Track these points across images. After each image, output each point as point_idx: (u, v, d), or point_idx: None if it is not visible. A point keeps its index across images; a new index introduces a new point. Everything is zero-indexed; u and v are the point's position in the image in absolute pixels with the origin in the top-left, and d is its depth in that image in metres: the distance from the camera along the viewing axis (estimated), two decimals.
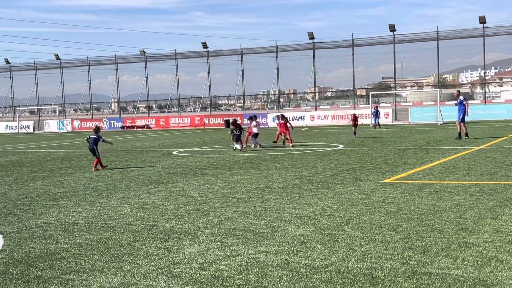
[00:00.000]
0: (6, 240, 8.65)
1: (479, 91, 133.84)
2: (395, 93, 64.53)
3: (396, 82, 59.87)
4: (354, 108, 58.37)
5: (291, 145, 25.33)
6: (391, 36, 54.27)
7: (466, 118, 26.98)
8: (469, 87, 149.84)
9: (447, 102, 79.40)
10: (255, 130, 25.61)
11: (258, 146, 25.51)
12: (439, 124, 43.30)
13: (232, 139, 24.96)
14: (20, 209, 11.35)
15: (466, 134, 26.27)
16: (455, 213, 9.35)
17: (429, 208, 9.82)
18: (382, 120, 47.20)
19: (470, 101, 40.73)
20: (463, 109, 26.57)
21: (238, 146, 24.24)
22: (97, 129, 19.18)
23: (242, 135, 24.74)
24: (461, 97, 27.14)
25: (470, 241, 7.49)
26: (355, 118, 31.26)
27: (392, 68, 55.46)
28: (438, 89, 53.10)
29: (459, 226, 8.36)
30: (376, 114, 42.66)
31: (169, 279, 6.38)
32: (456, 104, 27.55)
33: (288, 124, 26.28)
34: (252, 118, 26.31)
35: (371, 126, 42.78)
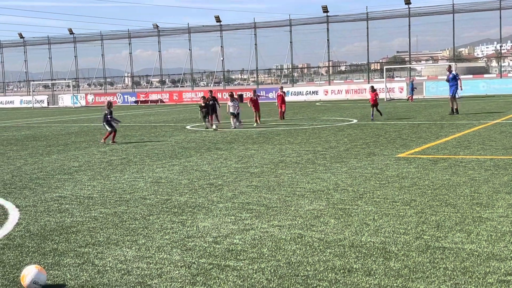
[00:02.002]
0: (22, 213, 8.75)
1: (494, 65, 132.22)
2: (410, 67, 63.97)
3: (411, 56, 59.30)
4: (368, 82, 57.97)
5: (255, 124, 24.35)
6: (406, 9, 53.64)
7: (462, 93, 26.15)
8: (485, 61, 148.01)
9: (462, 76, 78.56)
10: (231, 109, 23.96)
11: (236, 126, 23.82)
12: None
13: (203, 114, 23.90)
14: (36, 183, 11.46)
15: (457, 110, 25.61)
16: (470, 187, 9.32)
17: (443, 183, 9.79)
18: (396, 95, 46.86)
19: (485, 75, 40.24)
20: (455, 84, 26.03)
21: (207, 124, 23.64)
22: (109, 105, 19.48)
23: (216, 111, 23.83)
24: (454, 72, 26.59)
25: (484, 216, 7.47)
26: (375, 93, 24.62)
27: (407, 42, 54.95)
28: (454, 63, 52.53)
29: (474, 201, 8.33)
30: (412, 87, 42.12)
31: (183, 252, 6.43)
32: (447, 80, 26.62)
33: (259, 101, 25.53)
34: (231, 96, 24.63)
35: (407, 99, 42.06)
